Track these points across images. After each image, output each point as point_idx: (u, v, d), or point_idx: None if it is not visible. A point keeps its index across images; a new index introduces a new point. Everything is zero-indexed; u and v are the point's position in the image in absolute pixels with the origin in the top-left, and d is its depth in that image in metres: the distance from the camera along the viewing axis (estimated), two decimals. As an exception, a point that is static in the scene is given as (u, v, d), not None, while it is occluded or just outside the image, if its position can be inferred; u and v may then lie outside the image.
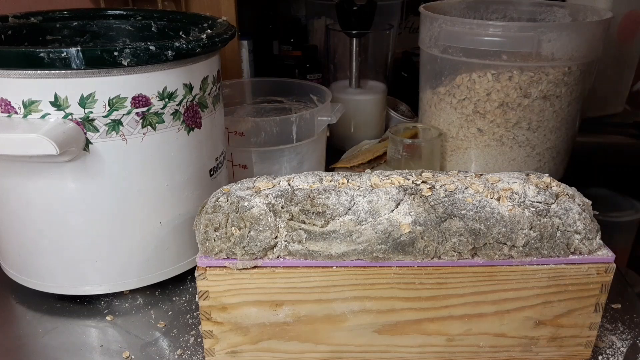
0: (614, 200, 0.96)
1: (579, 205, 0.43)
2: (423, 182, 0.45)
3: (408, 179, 0.45)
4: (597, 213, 0.45)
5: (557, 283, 0.43)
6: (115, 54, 0.43)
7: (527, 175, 0.46)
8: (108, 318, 0.53)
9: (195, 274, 0.42)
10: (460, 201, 0.43)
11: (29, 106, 0.44)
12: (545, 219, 0.42)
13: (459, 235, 0.42)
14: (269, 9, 1.18)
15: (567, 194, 0.44)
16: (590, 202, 0.45)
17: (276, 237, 0.42)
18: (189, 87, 0.50)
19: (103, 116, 0.46)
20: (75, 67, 0.43)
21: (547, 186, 0.45)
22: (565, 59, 0.68)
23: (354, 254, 0.42)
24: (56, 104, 0.44)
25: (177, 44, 0.46)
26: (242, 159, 0.70)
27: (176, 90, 0.49)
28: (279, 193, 0.43)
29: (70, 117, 0.45)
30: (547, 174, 0.47)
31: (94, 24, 0.62)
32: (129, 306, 0.55)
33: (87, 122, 0.46)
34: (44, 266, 0.52)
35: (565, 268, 0.43)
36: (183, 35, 0.59)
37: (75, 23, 0.62)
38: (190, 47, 0.47)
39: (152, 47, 0.45)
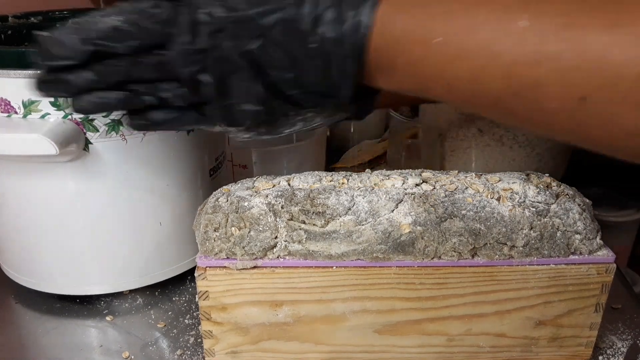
0: (614, 200, 0.96)
1: (579, 205, 0.43)
2: (423, 182, 0.45)
3: (408, 179, 0.45)
4: (597, 213, 0.45)
5: (557, 283, 0.43)
6: (115, 54, 0.43)
7: (527, 175, 0.46)
8: (108, 318, 0.53)
9: (195, 274, 0.42)
10: (460, 201, 0.43)
11: (29, 106, 0.44)
12: (545, 219, 0.42)
13: (459, 236, 0.42)
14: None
15: (567, 194, 0.44)
16: (590, 202, 0.45)
17: (276, 237, 0.42)
18: (189, 87, 0.50)
19: (103, 116, 0.46)
20: (75, 67, 0.43)
21: (547, 186, 0.45)
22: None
23: (354, 254, 0.42)
24: (56, 103, 0.44)
25: (177, 44, 0.46)
26: (242, 159, 0.70)
27: (176, 90, 0.49)
28: (279, 193, 0.43)
29: (70, 117, 0.45)
30: (547, 174, 0.47)
31: (94, 24, 0.62)
32: (129, 306, 0.55)
33: (86, 122, 0.46)
34: (44, 266, 0.52)
35: (565, 268, 0.43)
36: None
37: (75, 23, 0.62)
38: (190, 47, 0.47)
39: (152, 47, 0.45)
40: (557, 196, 0.44)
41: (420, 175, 0.46)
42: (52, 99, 0.44)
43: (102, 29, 0.33)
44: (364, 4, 0.31)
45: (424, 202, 0.42)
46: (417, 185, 0.44)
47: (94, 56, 0.33)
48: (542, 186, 0.45)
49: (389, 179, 0.45)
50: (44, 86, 0.35)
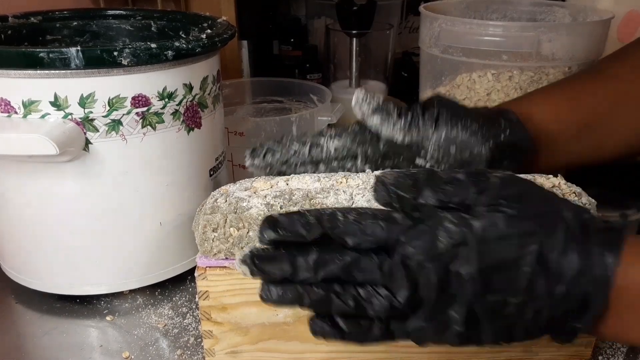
0: (614, 200, 0.96)
1: (584, 204, 0.43)
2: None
3: (408, 179, 0.45)
4: (598, 213, 0.45)
5: (557, 283, 0.43)
6: (115, 53, 0.43)
7: (533, 176, 0.46)
8: (108, 318, 0.53)
9: (195, 274, 0.42)
10: (460, 201, 0.42)
11: (29, 106, 0.44)
12: (545, 219, 0.42)
13: (459, 235, 0.41)
14: (269, 9, 1.18)
15: (574, 192, 0.44)
16: (595, 202, 0.45)
17: (276, 237, 0.42)
18: (188, 87, 0.50)
19: (103, 116, 0.46)
20: (75, 67, 0.43)
21: (553, 186, 0.45)
22: (565, 58, 0.67)
23: (354, 254, 0.42)
24: (56, 104, 0.44)
25: (177, 43, 0.46)
26: (242, 159, 0.70)
27: (176, 90, 0.49)
28: (277, 193, 0.43)
29: (70, 117, 0.45)
30: (559, 174, 0.46)
31: (94, 24, 0.62)
32: (129, 306, 0.55)
33: (87, 122, 0.46)
34: (44, 266, 0.52)
35: (565, 268, 0.43)
36: (183, 35, 0.59)
37: (75, 23, 0.62)
38: (190, 47, 0.47)
39: (152, 47, 0.45)
40: (563, 195, 0.44)
41: (420, 175, 0.46)
42: (52, 99, 0.44)
43: (341, 218, 0.33)
44: (613, 244, 0.32)
45: (424, 202, 0.42)
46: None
47: (317, 242, 0.33)
48: (548, 185, 0.44)
49: (388, 178, 0.45)
50: (259, 261, 0.34)
